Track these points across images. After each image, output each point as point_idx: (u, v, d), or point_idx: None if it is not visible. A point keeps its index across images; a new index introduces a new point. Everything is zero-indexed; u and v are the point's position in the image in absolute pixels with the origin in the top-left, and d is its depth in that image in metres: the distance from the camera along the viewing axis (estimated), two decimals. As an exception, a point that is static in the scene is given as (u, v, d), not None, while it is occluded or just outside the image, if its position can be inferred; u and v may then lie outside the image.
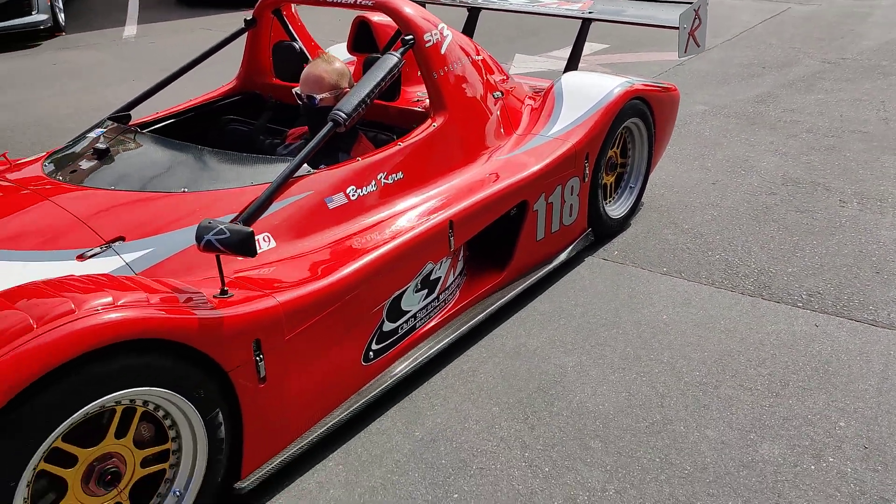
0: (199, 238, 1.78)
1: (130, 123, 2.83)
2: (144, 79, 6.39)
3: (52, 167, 2.46)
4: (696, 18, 3.60)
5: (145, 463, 1.75)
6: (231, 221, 2.00)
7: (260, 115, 3.30)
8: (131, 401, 1.66)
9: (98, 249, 2.00)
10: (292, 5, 3.32)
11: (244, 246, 1.75)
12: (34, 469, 1.51)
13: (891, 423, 2.26)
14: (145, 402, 1.69)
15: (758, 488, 2.01)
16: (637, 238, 3.50)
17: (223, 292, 1.87)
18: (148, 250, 2.04)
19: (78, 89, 5.98)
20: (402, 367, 2.38)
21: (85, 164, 2.40)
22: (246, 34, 3.33)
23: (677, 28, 3.53)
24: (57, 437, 1.52)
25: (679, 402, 2.37)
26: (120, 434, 1.67)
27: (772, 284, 3.08)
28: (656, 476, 2.06)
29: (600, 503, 1.97)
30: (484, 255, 2.89)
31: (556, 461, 2.12)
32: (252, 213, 2.14)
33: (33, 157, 2.65)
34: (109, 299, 1.58)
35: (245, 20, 3.28)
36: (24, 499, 1.51)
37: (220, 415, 1.81)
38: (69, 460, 1.59)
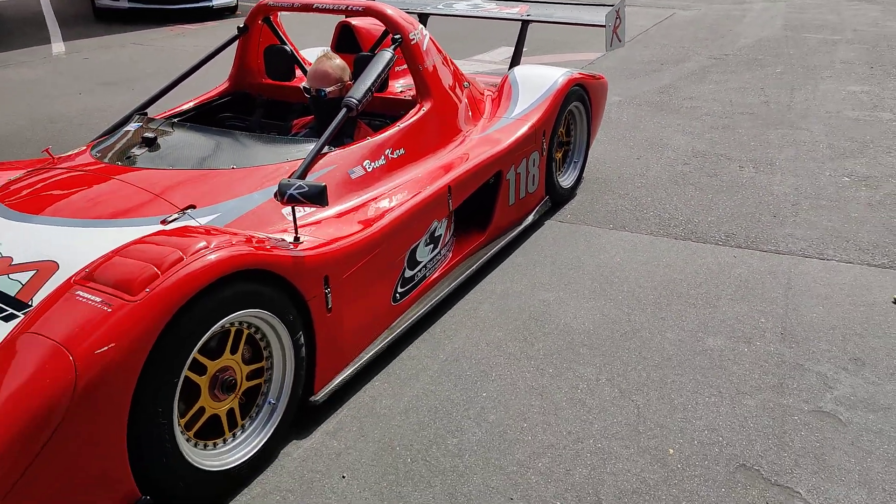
0: (282, 193, 2.23)
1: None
2: (90, 92, 6.57)
3: (101, 156, 2.81)
4: (617, 17, 4.30)
5: (249, 377, 2.18)
6: None
7: (250, 113, 3.72)
8: (241, 323, 2.09)
9: (177, 215, 2.40)
10: (279, 12, 3.75)
11: (321, 197, 2.22)
12: (184, 372, 1.92)
13: (798, 316, 2.97)
14: (249, 325, 2.12)
15: (709, 366, 2.66)
16: (584, 204, 4.15)
17: (296, 239, 2.33)
18: (216, 215, 2.46)
19: (24, 105, 6.08)
20: (420, 309, 2.89)
21: (137, 150, 2.77)
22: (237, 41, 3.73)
23: (604, 26, 4.21)
24: (196, 348, 1.94)
25: (641, 317, 2.99)
26: (232, 351, 2.10)
27: (697, 230, 3.79)
28: (634, 366, 2.67)
29: (596, 388, 2.55)
30: (468, 220, 3.43)
31: (557, 364, 2.69)
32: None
33: (76, 150, 2.99)
34: (227, 238, 2.02)
35: (238, 28, 3.66)
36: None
37: (302, 337, 2.26)
38: (201, 369, 2.01)
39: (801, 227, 3.81)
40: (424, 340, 2.85)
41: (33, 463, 1.59)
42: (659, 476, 2.14)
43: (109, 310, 1.73)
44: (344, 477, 2.16)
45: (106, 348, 1.67)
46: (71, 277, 1.88)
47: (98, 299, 1.76)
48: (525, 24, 4.49)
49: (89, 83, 6.88)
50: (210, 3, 10.18)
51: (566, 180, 4.16)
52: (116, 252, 1.92)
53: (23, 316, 1.95)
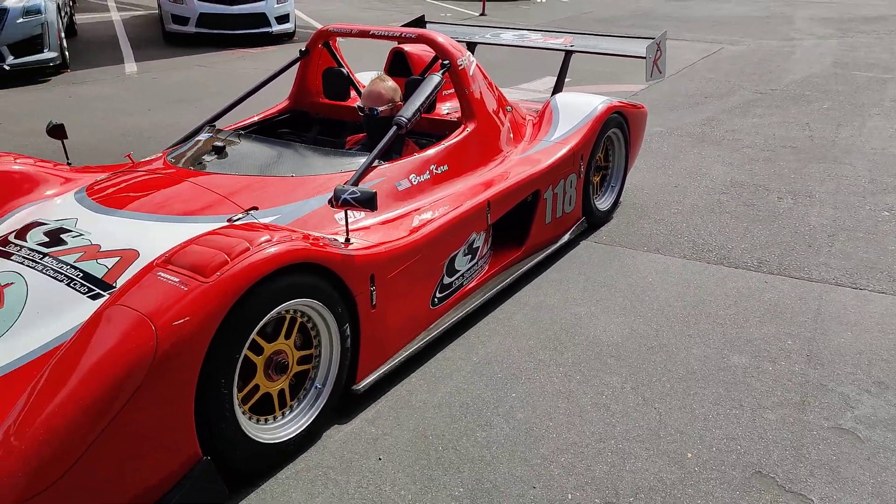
0: (336, 197, 2.46)
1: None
2: (159, 109, 7.01)
3: (176, 160, 3.10)
4: (658, 50, 4.47)
5: (299, 362, 2.38)
6: None
7: (307, 130, 3.99)
8: (295, 311, 2.30)
9: (242, 215, 2.64)
10: (337, 38, 4.03)
11: (372, 202, 2.43)
12: (245, 349, 2.13)
13: (824, 340, 3.05)
14: (303, 314, 2.33)
15: (732, 381, 2.76)
16: (620, 227, 4.28)
17: (347, 240, 2.54)
18: (276, 217, 2.70)
19: (102, 118, 6.53)
20: (457, 314, 3.07)
21: (208, 157, 3.05)
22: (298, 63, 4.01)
23: (644, 57, 4.38)
24: (256, 329, 2.15)
25: (669, 333, 3.11)
26: (286, 336, 2.31)
27: (730, 256, 3.89)
28: (659, 378, 2.79)
29: (620, 395, 2.68)
30: (505, 236, 3.60)
31: (584, 372, 2.83)
32: None
33: (153, 157, 3.29)
34: (287, 234, 2.25)
35: (300, 51, 3.96)
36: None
37: (349, 329, 2.46)
38: (259, 350, 2.22)
39: (836, 257, 3.87)
40: (459, 344, 3.02)
41: (117, 416, 1.81)
42: (676, 476, 2.26)
43: (186, 289, 1.96)
44: (380, 459, 2.34)
45: (182, 321, 1.90)
46: (153, 261, 2.12)
47: (176, 279, 1.99)
48: (568, 54, 4.69)
49: (158, 101, 7.33)
50: (270, 29, 10.68)
51: (603, 203, 4.31)
52: (192, 241, 2.15)
53: (108, 295, 2.20)
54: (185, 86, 8.07)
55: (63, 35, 8.48)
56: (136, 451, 1.90)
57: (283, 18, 10.84)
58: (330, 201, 2.60)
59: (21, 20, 7.69)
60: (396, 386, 2.73)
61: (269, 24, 10.67)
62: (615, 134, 4.27)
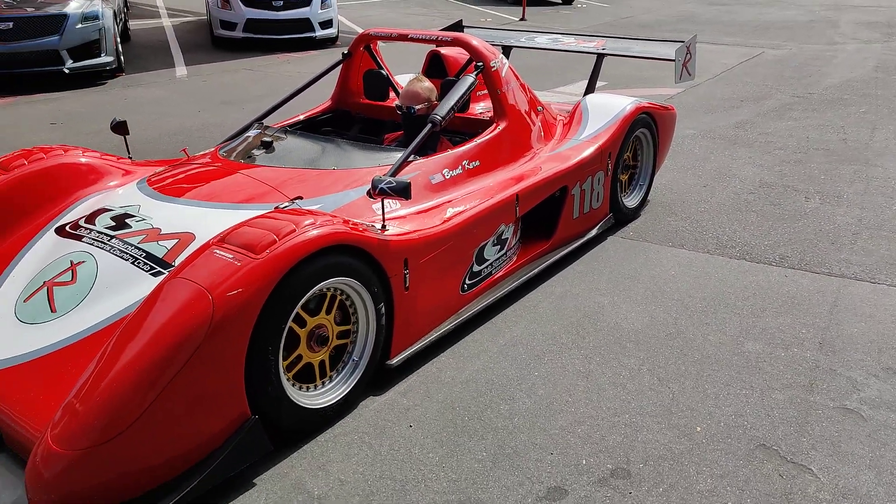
0: (374, 186, 2.69)
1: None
2: (208, 110, 7.37)
3: (227, 154, 3.38)
4: (687, 53, 4.61)
5: (338, 336, 2.62)
6: None
7: (349, 128, 4.24)
8: (335, 289, 2.53)
9: (288, 203, 2.89)
10: (378, 41, 4.27)
11: (406, 191, 2.66)
12: (288, 325, 2.37)
13: (838, 330, 3.17)
14: (342, 292, 2.56)
15: (744, 366, 2.91)
16: (647, 224, 4.43)
17: (384, 227, 2.77)
18: (319, 205, 2.93)
19: (155, 118, 6.91)
20: (485, 300, 3.27)
21: (257, 152, 3.32)
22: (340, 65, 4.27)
23: (674, 60, 4.53)
24: (301, 303, 2.38)
25: (687, 321, 3.27)
26: (327, 312, 2.54)
27: (752, 251, 4.02)
28: (675, 361, 2.95)
29: (637, 375, 2.85)
30: (534, 230, 3.78)
31: (604, 355, 3.00)
32: None
33: (206, 151, 3.57)
34: (329, 218, 2.49)
35: (343, 53, 4.21)
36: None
37: (383, 307, 2.68)
38: (302, 323, 2.46)
39: (858, 254, 3.97)
40: (487, 328, 3.22)
41: (178, 374, 2.05)
42: (684, 447, 2.43)
43: (239, 264, 2.20)
44: (411, 426, 2.55)
45: (236, 292, 2.14)
46: (209, 240, 2.38)
47: (230, 256, 2.23)
48: (600, 57, 4.85)
49: (207, 102, 7.70)
50: (314, 34, 11.04)
51: (631, 201, 4.46)
52: (244, 223, 2.40)
53: (168, 272, 2.46)
54: (232, 88, 8.44)
55: (118, 40, 8.93)
56: (194, 407, 2.13)
57: (326, 24, 11.20)
58: (368, 192, 2.84)
59: (80, 25, 8.16)
60: (427, 364, 2.94)
61: (313, 30, 11.04)
62: (643, 134, 4.43)
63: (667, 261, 3.92)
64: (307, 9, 10.96)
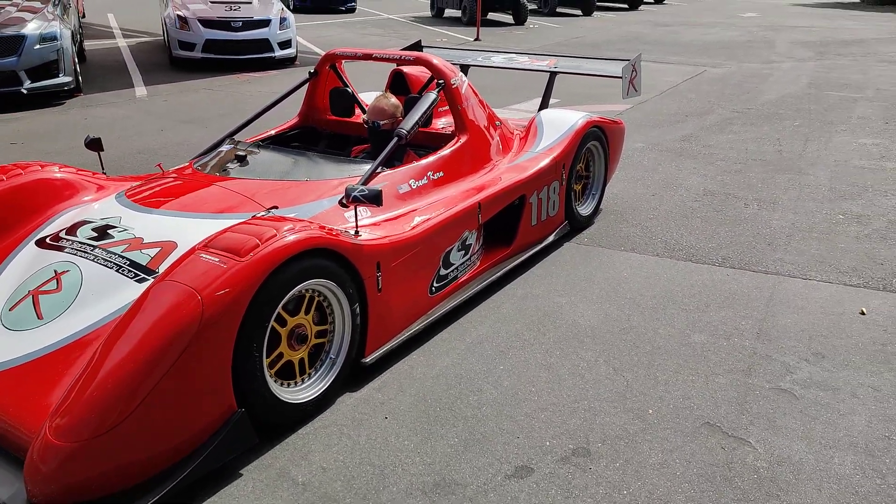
0: (347, 195, 2.87)
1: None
2: (170, 129, 7.45)
3: (202, 167, 3.53)
4: (633, 70, 4.94)
5: (316, 336, 2.78)
6: None
7: (316, 143, 4.43)
8: (313, 290, 2.70)
9: (264, 212, 3.04)
10: (343, 61, 4.47)
11: (378, 198, 2.85)
12: (271, 325, 2.53)
13: (773, 321, 3.47)
14: (319, 293, 2.73)
15: (691, 355, 3.17)
16: (600, 231, 4.72)
17: (357, 232, 2.96)
18: (294, 214, 3.09)
19: (117, 138, 6.96)
20: (452, 302, 3.47)
21: (231, 165, 3.49)
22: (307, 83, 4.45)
23: (620, 77, 4.84)
24: (282, 302, 2.54)
25: (639, 318, 3.53)
26: (306, 312, 2.70)
27: (697, 254, 4.32)
28: (628, 353, 3.20)
29: (594, 367, 3.09)
30: (496, 236, 4.00)
31: (564, 349, 3.24)
32: None
33: (181, 166, 3.71)
34: (307, 224, 2.67)
35: (309, 72, 4.40)
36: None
37: (358, 308, 2.86)
38: (283, 322, 2.62)
39: (791, 253, 4.31)
40: (454, 328, 3.42)
41: (170, 370, 2.19)
42: (638, 427, 2.66)
43: (225, 266, 2.36)
44: (386, 418, 2.73)
45: (223, 292, 2.30)
46: (194, 246, 2.53)
47: (216, 259, 2.39)
48: (552, 75, 5.15)
49: (169, 121, 7.78)
50: (273, 54, 11.18)
51: (585, 209, 4.74)
52: (227, 229, 2.57)
53: (152, 279, 2.60)
54: (193, 107, 8.52)
55: (76, 60, 8.94)
56: (185, 401, 2.27)
57: (285, 44, 11.36)
58: (341, 201, 3.02)
59: (38, 46, 8.15)
60: (399, 361, 3.12)
61: (272, 50, 11.19)
62: (594, 146, 4.71)
63: (619, 264, 4.19)
64: (266, 29, 11.11)
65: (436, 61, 4.07)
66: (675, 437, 2.61)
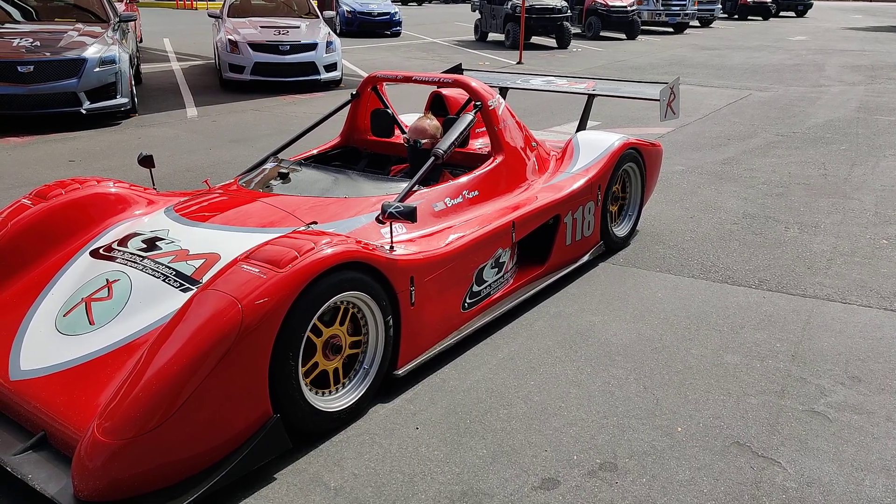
0: (384, 211, 2.97)
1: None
2: (218, 148, 7.73)
3: (247, 184, 3.69)
4: (671, 93, 4.97)
5: (350, 346, 2.87)
6: None
7: (357, 162, 4.56)
8: (348, 302, 2.80)
9: (304, 227, 3.16)
10: (384, 83, 4.62)
11: (412, 215, 2.94)
12: (309, 329, 2.62)
13: (810, 344, 3.44)
14: (354, 305, 2.83)
15: (723, 375, 3.16)
16: (636, 251, 4.73)
17: (392, 247, 3.06)
18: (332, 229, 3.19)
19: (167, 156, 7.26)
20: (485, 318, 3.54)
21: (274, 182, 3.64)
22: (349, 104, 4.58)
23: (658, 100, 4.88)
24: (319, 312, 2.63)
25: (672, 337, 3.53)
26: (340, 323, 2.80)
27: (734, 276, 4.30)
28: (659, 371, 3.21)
29: (624, 384, 3.11)
30: (530, 255, 4.05)
31: (594, 367, 3.26)
32: None
33: (226, 182, 3.88)
34: (343, 238, 2.77)
35: (351, 94, 4.54)
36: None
37: (391, 320, 2.95)
38: (318, 332, 2.72)
39: (831, 277, 4.25)
40: (487, 343, 3.48)
41: (210, 374, 2.30)
42: (666, 444, 2.67)
43: (265, 277, 2.46)
44: (417, 428, 2.80)
45: (262, 301, 2.41)
46: (236, 257, 2.65)
47: (256, 270, 2.50)
48: (591, 97, 5.21)
49: (218, 140, 8.07)
50: (319, 77, 11.49)
51: (620, 230, 4.76)
52: (268, 242, 2.69)
53: (196, 288, 2.73)
54: (240, 128, 8.82)
55: (133, 82, 9.35)
56: (224, 404, 2.36)
57: (330, 67, 11.67)
58: (377, 217, 3.12)
59: (98, 69, 8.56)
60: (432, 374, 3.19)
61: (318, 72, 11.50)
62: (631, 167, 4.74)
63: (654, 284, 4.19)
64: (313, 53, 11.44)
65: (474, 84, 4.17)
66: (703, 455, 2.61)
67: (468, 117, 3.92)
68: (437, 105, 4.66)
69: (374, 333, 2.92)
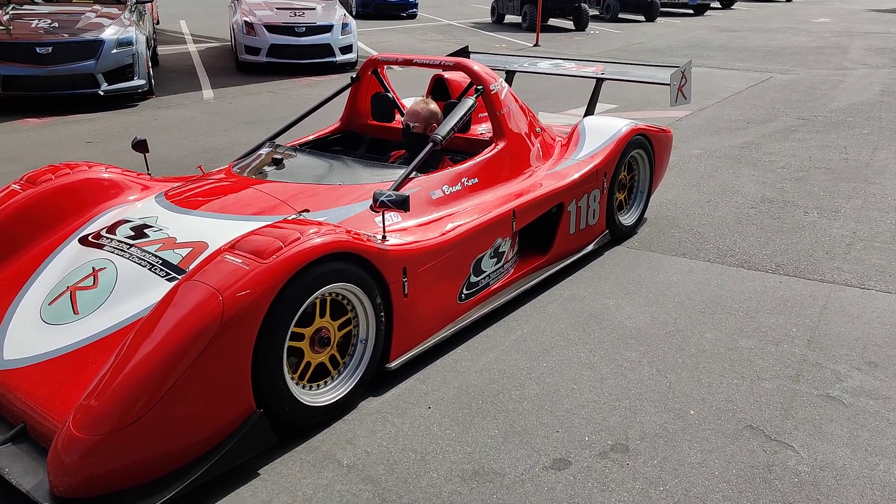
0: (375, 199, 2.84)
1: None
2: (234, 129, 7.75)
3: (240, 170, 3.59)
4: (682, 77, 4.84)
5: (340, 340, 2.74)
6: None
7: (357, 147, 4.42)
8: (337, 294, 2.66)
9: (295, 215, 2.98)
10: (385, 66, 4.46)
11: (405, 203, 2.82)
12: (290, 334, 2.46)
13: (827, 329, 3.40)
14: (343, 297, 2.69)
15: (737, 359, 3.15)
16: (651, 236, 4.69)
17: (384, 237, 2.95)
18: (324, 217, 3.02)
19: (183, 138, 7.30)
20: (483, 309, 3.41)
21: (268, 168, 3.54)
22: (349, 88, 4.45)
23: (668, 84, 4.76)
24: (302, 308, 2.48)
25: (686, 321, 3.51)
26: (322, 316, 2.65)
27: (750, 260, 4.26)
28: (673, 355, 3.19)
29: (637, 367, 3.10)
30: (534, 244, 3.89)
31: (607, 349, 3.25)
32: None
33: (220, 168, 3.78)
34: (332, 228, 2.66)
35: (351, 77, 4.44)
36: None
37: (383, 313, 2.81)
38: (307, 324, 2.60)
39: (850, 262, 4.20)
40: (499, 325, 3.48)
41: (190, 367, 2.21)
42: (678, 427, 2.67)
43: (248, 268, 2.36)
44: (430, 408, 2.81)
45: (244, 293, 2.31)
46: (220, 247, 2.53)
47: (240, 261, 2.39)
48: (599, 81, 5.08)
49: (233, 122, 8.09)
50: (334, 59, 11.47)
51: (627, 219, 4.62)
52: (253, 232, 2.58)
53: (181, 277, 2.53)
54: (256, 110, 8.83)
55: (150, 64, 9.38)
56: (204, 399, 2.27)
57: (346, 49, 11.64)
58: (371, 205, 2.97)
59: (115, 50, 8.60)
60: (443, 356, 3.20)
61: (333, 55, 11.48)
62: (639, 154, 4.58)
63: (669, 268, 4.17)
64: (328, 35, 11.41)
65: (476, 67, 4.03)
66: (715, 437, 2.60)
67: (469, 102, 3.78)
68: (439, 89, 4.55)
69: (365, 326, 2.82)
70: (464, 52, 5.67)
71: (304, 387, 2.64)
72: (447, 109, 3.88)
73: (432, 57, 4.29)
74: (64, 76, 8.32)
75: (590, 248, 4.24)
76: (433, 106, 3.91)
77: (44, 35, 8.37)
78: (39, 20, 8.64)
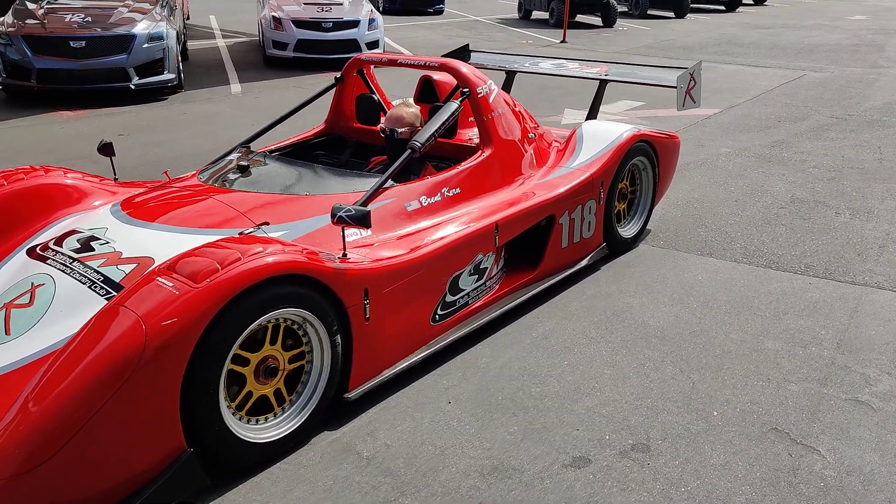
0: (333, 215, 2.58)
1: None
2: (261, 123, 7.77)
3: (205, 178, 3.35)
4: (691, 80, 4.62)
5: (291, 361, 2.52)
6: None
7: (341, 152, 4.17)
8: (285, 319, 2.43)
9: (252, 229, 2.80)
10: (371, 66, 4.26)
11: (365, 220, 2.58)
12: (229, 363, 2.26)
13: (857, 332, 3.33)
14: (294, 322, 2.46)
15: (763, 361, 3.09)
16: (677, 235, 4.63)
17: (344, 255, 2.69)
18: (285, 231, 2.85)
19: (209, 132, 7.37)
20: (460, 331, 3.16)
21: (232, 176, 3.29)
22: (334, 88, 4.23)
23: (675, 87, 4.55)
24: (245, 334, 2.28)
25: (711, 321, 3.46)
26: (272, 343, 2.44)
27: (779, 261, 4.18)
28: (697, 355, 3.15)
29: (660, 367, 3.06)
30: (520, 258, 3.64)
31: (630, 349, 3.22)
32: None
33: (187, 174, 3.60)
34: (281, 247, 2.42)
35: (335, 77, 4.21)
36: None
37: (339, 340, 2.58)
38: (245, 362, 2.38)
39: (883, 265, 4.10)
40: (520, 323, 3.46)
41: (106, 404, 2.02)
42: (701, 428, 2.63)
43: (177, 293, 2.15)
44: (449, 403, 2.81)
45: (170, 321, 2.10)
46: (155, 268, 2.37)
47: (171, 284, 2.19)
48: (603, 83, 4.84)
49: (260, 116, 8.14)
50: (360, 56, 11.53)
51: (627, 231, 4.32)
52: (193, 251, 2.37)
53: (108, 301, 2.38)
54: (282, 104, 8.85)
55: (180, 59, 9.49)
56: (124, 438, 2.09)
57: (373, 44, 11.67)
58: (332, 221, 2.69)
59: (146, 45, 8.72)
60: (463, 353, 3.18)
61: (360, 50, 11.49)
62: (641, 162, 4.30)
63: (695, 267, 4.11)
64: (355, 30, 11.44)
65: (464, 69, 3.79)
66: (739, 440, 2.56)
67: (453, 105, 3.54)
68: (427, 91, 4.31)
69: (319, 354, 2.59)
70: (464, 50, 5.48)
71: (244, 420, 2.42)
72: (431, 113, 3.63)
73: (418, 57, 4.05)
74: (96, 70, 8.46)
75: (584, 262, 3.94)
76: (415, 109, 3.69)
77: (77, 29, 8.51)
78: (73, 14, 8.78)
